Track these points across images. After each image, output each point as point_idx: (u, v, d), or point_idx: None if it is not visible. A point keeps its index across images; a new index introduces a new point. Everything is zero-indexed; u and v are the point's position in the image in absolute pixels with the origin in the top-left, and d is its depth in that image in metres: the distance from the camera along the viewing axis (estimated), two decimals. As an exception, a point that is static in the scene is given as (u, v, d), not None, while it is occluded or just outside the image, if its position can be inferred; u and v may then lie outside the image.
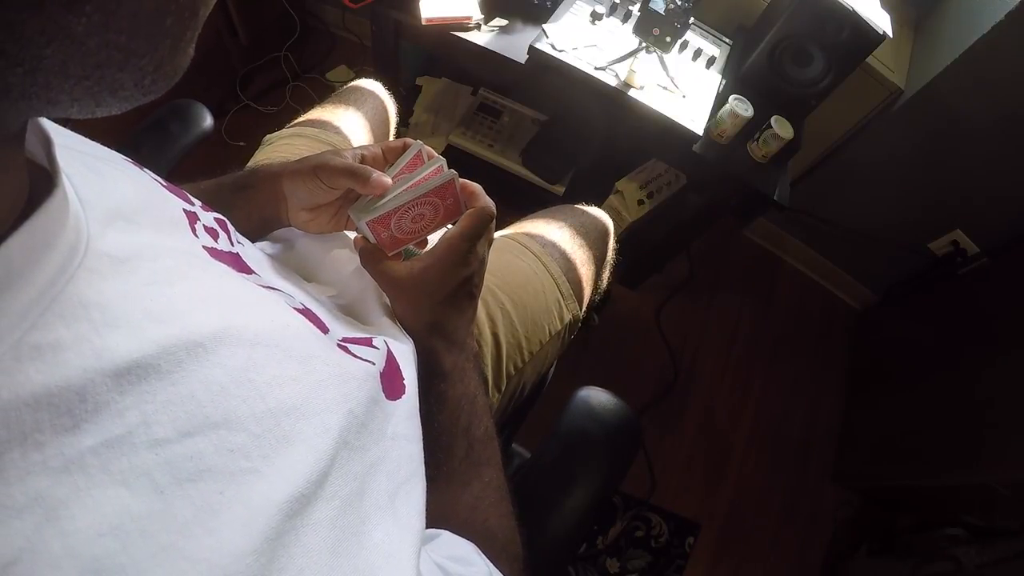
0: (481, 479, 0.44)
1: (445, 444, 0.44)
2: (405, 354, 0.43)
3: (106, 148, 0.33)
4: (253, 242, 0.51)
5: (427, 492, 0.40)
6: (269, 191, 0.49)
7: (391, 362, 0.38)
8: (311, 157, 0.47)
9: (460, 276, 0.46)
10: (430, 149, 0.50)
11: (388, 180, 0.45)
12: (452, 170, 0.46)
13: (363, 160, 0.48)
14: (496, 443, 0.47)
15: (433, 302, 0.46)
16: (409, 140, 0.50)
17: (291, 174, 0.47)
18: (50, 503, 0.18)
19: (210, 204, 0.47)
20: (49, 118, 0.22)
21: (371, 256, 0.47)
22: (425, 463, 0.42)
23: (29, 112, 0.17)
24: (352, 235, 0.55)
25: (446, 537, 0.37)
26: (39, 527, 0.17)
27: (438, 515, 0.40)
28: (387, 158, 0.49)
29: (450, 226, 0.51)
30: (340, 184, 0.46)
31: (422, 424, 0.44)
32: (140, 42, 0.17)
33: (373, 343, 0.38)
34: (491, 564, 0.37)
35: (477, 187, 0.47)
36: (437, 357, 0.47)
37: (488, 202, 0.47)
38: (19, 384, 0.18)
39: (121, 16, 0.15)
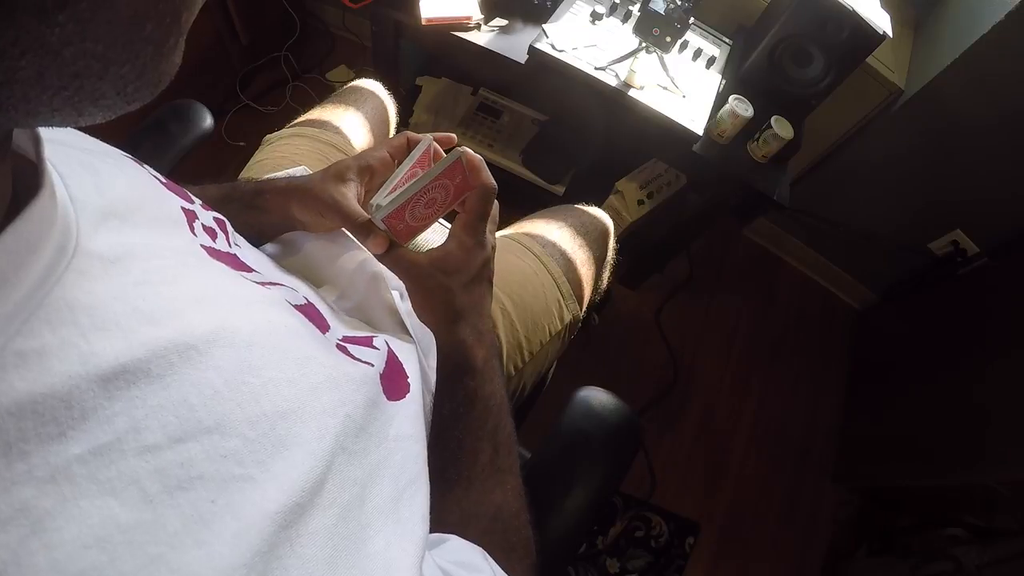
0: (504, 486, 0.42)
1: (469, 447, 0.42)
2: (408, 352, 0.42)
3: (105, 144, 0.32)
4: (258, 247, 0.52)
5: (444, 497, 0.39)
6: (280, 214, 0.49)
7: (392, 362, 0.38)
8: (316, 184, 0.47)
9: (480, 258, 0.46)
10: (437, 146, 0.50)
11: (383, 245, 0.45)
12: (460, 147, 0.46)
13: (373, 173, 0.48)
14: (516, 448, 0.46)
15: (458, 286, 0.46)
16: (412, 135, 0.50)
17: (301, 204, 0.47)
18: (35, 514, 0.17)
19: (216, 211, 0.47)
20: (31, 128, 0.21)
21: (385, 247, 0.46)
22: (445, 466, 0.40)
23: (8, 123, 0.17)
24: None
25: (454, 542, 0.36)
26: (24, 540, 0.17)
27: (455, 522, 0.39)
28: (395, 158, 0.49)
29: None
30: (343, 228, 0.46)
31: (445, 424, 0.43)
32: (118, 50, 0.16)
33: (373, 343, 0.38)
34: (498, 569, 0.36)
35: (479, 160, 0.46)
36: (468, 351, 0.45)
37: (489, 178, 0.46)
38: (2, 392, 0.17)
39: (97, 24, 0.15)
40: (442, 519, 0.39)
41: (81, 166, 0.25)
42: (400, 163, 0.49)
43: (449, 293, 0.46)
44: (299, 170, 0.58)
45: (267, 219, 0.49)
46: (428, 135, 0.49)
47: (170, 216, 0.31)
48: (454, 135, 0.51)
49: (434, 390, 0.48)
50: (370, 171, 0.48)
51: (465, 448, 0.42)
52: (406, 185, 0.45)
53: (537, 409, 0.83)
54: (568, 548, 0.55)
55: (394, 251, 0.46)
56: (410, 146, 0.50)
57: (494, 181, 0.46)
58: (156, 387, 0.21)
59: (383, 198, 0.46)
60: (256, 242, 0.50)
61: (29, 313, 0.19)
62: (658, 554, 1.29)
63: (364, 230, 0.45)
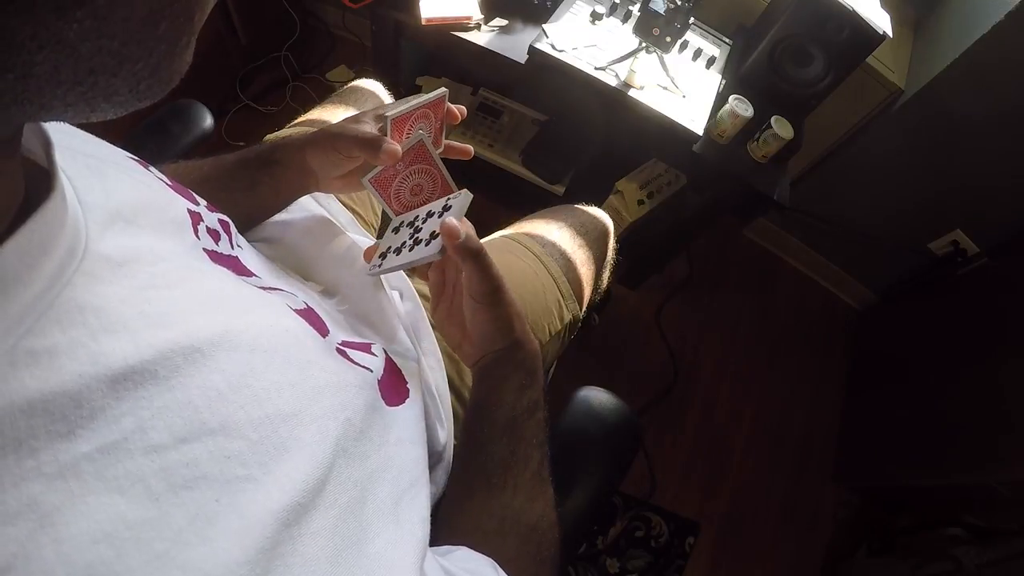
0: (545, 496, 0.42)
1: (522, 454, 0.43)
2: (408, 359, 0.43)
3: (111, 147, 0.33)
4: (275, 214, 0.52)
5: (486, 502, 0.39)
6: (296, 166, 0.49)
7: (391, 368, 0.38)
8: (331, 126, 0.47)
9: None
10: (451, 106, 0.50)
11: (397, 148, 0.44)
12: (444, 89, 0.48)
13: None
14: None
15: (510, 291, 0.46)
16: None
17: (313, 147, 0.47)
18: (44, 509, 0.17)
19: (232, 180, 0.47)
20: (43, 121, 0.22)
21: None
22: (490, 472, 0.41)
23: (21, 117, 0.17)
24: (356, 238, 0.55)
25: (463, 552, 0.36)
26: (33, 533, 0.17)
27: (494, 529, 0.39)
28: None
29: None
30: (356, 154, 0.45)
31: (499, 430, 0.43)
32: (133, 47, 0.17)
33: (372, 349, 0.38)
34: None
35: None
36: (539, 359, 0.46)
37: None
38: (14, 390, 0.18)
39: (113, 22, 0.15)
40: (480, 525, 0.39)
41: (89, 170, 0.26)
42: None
43: (515, 301, 0.46)
44: None
45: (284, 174, 0.49)
46: (444, 88, 0.49)
47: (175, 219, 0.32)
48: (464, 108, 0.51)
49: (441, 398, 0.48)
50: (384, 120, 0.48)
51: (518, 456, 0.42)
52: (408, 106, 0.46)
53: (537, 409, 0.83)
54: (568, 548, 0.55)
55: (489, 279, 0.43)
56: None
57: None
58: (162, 388, 0.22)
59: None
60: (272, 201, 0.51)
61: (40, 313, 0.19)
62: (658, 554, 1.29)
63: (376, 143, 0.44)
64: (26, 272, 0.19)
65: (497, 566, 0.36)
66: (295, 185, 0.51)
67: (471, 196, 0.44)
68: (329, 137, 0.46)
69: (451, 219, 0.41)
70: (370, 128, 0.47)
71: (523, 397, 0.44)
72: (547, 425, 0.45)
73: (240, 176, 0.50)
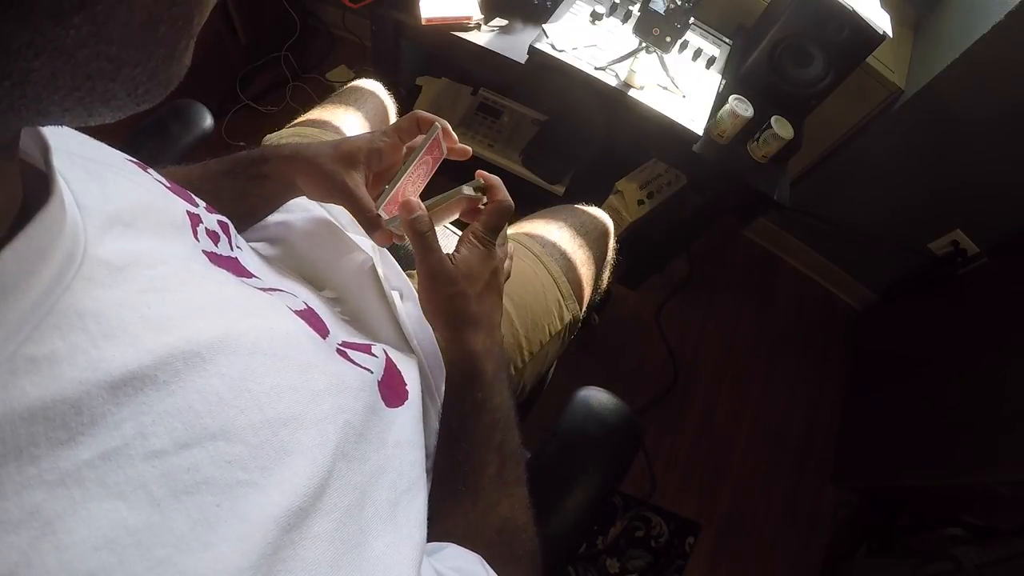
0: (511, 499, 0.42)
1: (476, 460, 0.42)
2: (408, 361, 0.43)
3: (109, 149, 0.33)
4: (265, 217, 0.52)
5: (453, 510, 0.39)
6: (285, 181, 0.49)
7: (391, 369, 0.38)
8: (325, 161, 0.46)
9: (490, 266, 0.47)
10: (447, 125, 0.50)
11: (389, 241, 0.46)
12: (437, 123, 0.48)
13: (382, 156, 0.48)
14: (523, 461, 0.45)
15: (473, 293, 0.46)
16: (422, 115, 0.49)
17: (305, 176, 0.47)
18: (46, 517, 0.17)
19: (220, 190, 0.47)
20: (40, 126, 0.21)
21: (390, 243, 0.47)
22: (453, 478, 0.41)
23: (19, 123, 0.17)
24: (356, 238, 0.55)
25: (451, 549, 0.37)
26: (35, 541, 0.17)
27: (461, 535, 0.39)
28: (403, 138, 0.50)
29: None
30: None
31: (453, 436, 0.43)
32: (132, 52, 0.16)
33: (372, 351, 0.38)
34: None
35: (497, 180, 0.49)
36: (478, 362, 0.45)
37: (507, 196, 0.48)
38: (14, 398, 0.18)
39: (111, 27, 0.15)
40: (449, 531, 0.39)
41: (87, 173, 0.26)
42: (408, 143, 0.50)
43: (464, 299, 0.45)
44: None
45: (271, 186, 0.50)
46: (437, 121, 0.49)
47: (174, 222, 0.31)
48: (497, 179, 0.51)
49: (442, 399, 0.48)
50: (379, 155, 0.48)
51: (472, 460, 0.42)
52: (404, 174, 0.47)
53: (537, 409, 0.83)
54: (568, 548, 0.56)
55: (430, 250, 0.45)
56: (420, 126, 0.50)
57: (511, 200, 0.48)
58: (163, 394, 0.22)
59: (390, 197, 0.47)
60: (264, 209, 0.51)
61: (39, 319, 0.19)
62: (658, 554, 1.29)
63: (373, 224, 0.45)
64: (25, 279, 0.19)
65: (485, 563, 0.36)
66: (285, 196, 0.51)
67: (480, 197, 0.48)
68: (326, 180, 0.46)
69: (416, 199, 0.45)
70: (364, 171, 0.47)
71: (466, 399, 0.44)
72: (507, 427, 0.44)
73: (228, 187, 0.49)
